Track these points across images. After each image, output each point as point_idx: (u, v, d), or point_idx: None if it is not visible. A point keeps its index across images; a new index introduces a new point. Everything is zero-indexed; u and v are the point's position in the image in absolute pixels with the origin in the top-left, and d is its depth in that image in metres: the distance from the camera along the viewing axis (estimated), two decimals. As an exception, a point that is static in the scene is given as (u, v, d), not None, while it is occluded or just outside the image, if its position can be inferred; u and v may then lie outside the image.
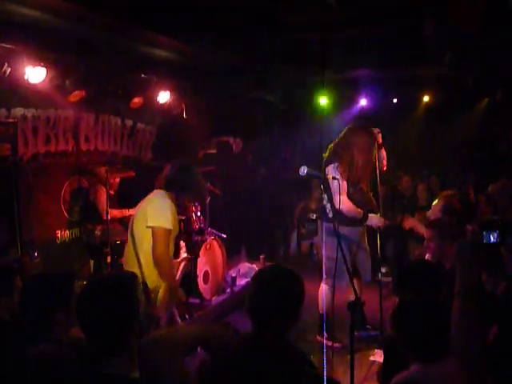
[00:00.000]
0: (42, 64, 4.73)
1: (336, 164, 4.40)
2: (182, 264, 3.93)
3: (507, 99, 7.82)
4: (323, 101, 8.10)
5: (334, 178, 3.92)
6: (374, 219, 4.40)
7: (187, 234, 5.76)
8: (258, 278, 2.19)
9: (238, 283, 6.18)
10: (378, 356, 4.02)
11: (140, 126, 6.85)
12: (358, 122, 4.77)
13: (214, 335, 1.94)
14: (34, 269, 4.78)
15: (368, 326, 4.69)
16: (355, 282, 3.74)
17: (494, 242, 2.09)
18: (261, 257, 7.06)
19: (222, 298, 5.84)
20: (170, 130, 7.07)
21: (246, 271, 6.51)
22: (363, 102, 8.42)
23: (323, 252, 4.57)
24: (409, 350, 2.08)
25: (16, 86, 4.79)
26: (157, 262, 3.46)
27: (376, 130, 4.58)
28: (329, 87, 7.84)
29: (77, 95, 5.32)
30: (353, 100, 8.46)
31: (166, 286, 3.55)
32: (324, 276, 4.54)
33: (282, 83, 7.93)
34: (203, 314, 5.27)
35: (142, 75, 6.12)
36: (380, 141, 4.55)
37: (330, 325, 4.30)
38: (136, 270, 3.34)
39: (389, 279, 5.96)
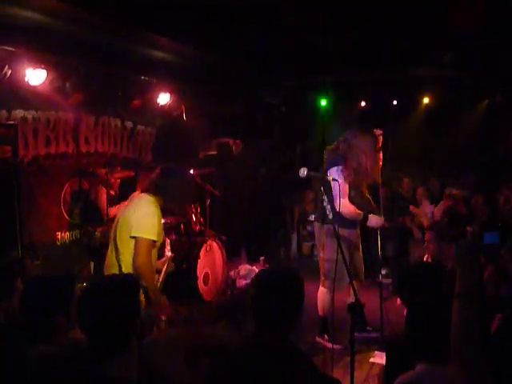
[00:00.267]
0: (42, 66, 4.74)
1: (340, 167, 4.37)
2: (165, 265, 3.85)
3: (507, 101, 7.83)
4: (323, 102, 8.10)
5: (334, 180, 3.91)
6: (373, 219, 4.40)
7: (187, 235, 5.77)
8: (259, 278, 2.20)
9: (237, 285, 6.18)
10: (378, 358, 4.02)
11: (140, 127, 6.86)
12: (359, 125, 4.75)
13: (214, 336, 1.95)
14: (35, 271, 4.79)
15: (368, 328, 4.68)
16: (355, 283, 3.74)
17: (494, 244, 2.09)
18: (261, 258, 7.06)
19: (222, 299, 5.84)
20: (169, 132, 7.08)
21: (245, 273, 6.51)
22: (363, 103, 8.43)
23: (322, 254, 4.58)
24: (416, 349, 2.09)
25: (16, 88, 4.79)
26: (137, 272, 3.31)
27: (377, 132, 4.57)
28: (329, 89, 7.86)
29: (76, 98, 5.34)
30: (353, 101, 8.47)
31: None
32: (324, 278, 4.55)
33: (283, 85, 7.95)
34: (203, 316, 5.27)
35: (142, 77, 6.13)
36: (380, 144, 4.55)
37: (330, 326, 4.29)
38: None
39: (389, 281, 5.98)
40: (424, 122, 8.78)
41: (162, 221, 5.16)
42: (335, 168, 4.36)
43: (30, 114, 5.18)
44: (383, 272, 4.94)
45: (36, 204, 5.29)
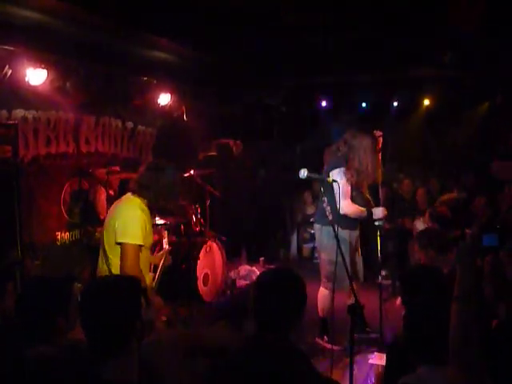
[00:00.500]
0: (42, 66, 4.74)
1: (343, 169, 4.37)
2: (162, 260, 3.80)
3: (507, 102, 7.82)
4: (324, 103, 8.11)
5: (334, 181, 3.91)
6: (378, 211, 4.41)
7: (187, 236, 5.77)
8: (260, 279, 2.22)
9: (237, 285, 6.18)
10: (377, 359, 4.01)
11: (140, 128, 6.86)
12: (359, 126, 4.74)
13: (214, 337, 1.96)
14: (35, 271, 4.79)
15: (368, 329, 4.68)
16: (354, 284, 3.74)
17: (493, 246, 2.09)
18: (261, 259, 7.07)
19: (221, 300, 5.84)
20: (170, 132, 7.08)
21: (245, 273, 6.51)
22: (363, 104, 8.43)
23: (323, 255, 4.58)
24: (415, 351, 2.09)
25: (17, 88, 4.79)
26: None
27: (378, 134, 4.57)
28: (329, 89, 7.86)
29: (77, 98, 5.34)
30: (353, 103, 8.47)
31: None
32: (324, 279, 4.56)
33: (282, 85, 7.95)
34: (203, 317, 5.27)
35: (143, 77, 6.13)
36: (379, 146, 4.54)
37: (330, 327, 4.29)
38: None
39: (388, 282, 5.98)
40: (424, 123, 8.78)
41: (161, 221, 5.17)
42: (337, 170, 4.36)
43: (30, 114, 5.18)
44: (383, 273, 4.92)
45: (36, 204, 5.29)
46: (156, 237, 4.18)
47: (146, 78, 6.13)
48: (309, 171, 3.39)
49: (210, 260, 5.78)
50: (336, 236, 3.23)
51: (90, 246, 5.61)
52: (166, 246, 4.18)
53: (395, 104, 8.46)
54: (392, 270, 6.31)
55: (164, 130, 7.12)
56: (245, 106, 8.11)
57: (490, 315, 2.65)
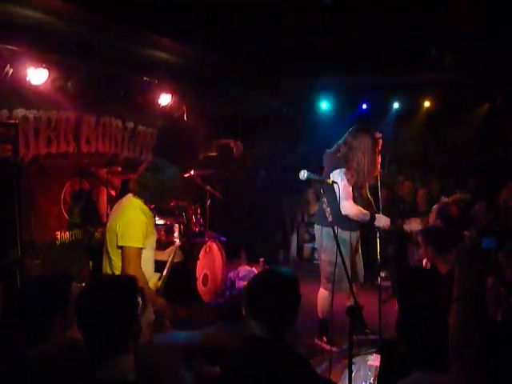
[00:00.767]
0: (44, 65, 4.75)
1: (343, 169, 4.37)
2: (171, 256, 3.75)
3: (507, 104, 7.83)
4: (324, 105, 8.11)
5: (334, 182, 3.91)
6: (382, 219, 4.38)
7: (187, 236, 5.77)
8: (255, 279, 2.21)
9: (237, 286, 6.18)
10: (376, 360, 4.02)
11: (141, 128, 6.86)
12: (359, 125, 4.73)
13: (212, 338, 1.96)
14: (35, 270, 4.80)
15: (367, 330, 4.68)
16: (354, 286, 3.74)
17: (492, 248, 2.09)
18: (260, 260, 7.06)
19: (220, 300, 5.85)
20: (170, 133, 7.08)
21: (245, 274, 6.50)
22: (364, 106, 8.44)
23: (323, 256, 4.57)
24: (413, 355, 2.09)
25: (18, 87, 4.80)
26: None
27: (378, 135, 4.56)
28: (330, 91, 7.86)
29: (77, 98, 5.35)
30: (354, 104, 8.48)
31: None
32: (324, 280, 4.55)
33: (283, 87, 7.95)
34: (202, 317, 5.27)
35: (144, 78, 6.13)
36: (379, 147, 4.53)
37: (329, 329, 4.29)
38: None
39: (388, 283, 5.97)
40: (424, 124, 8.78)
41: (161, 222, 5.15)
42: (338, 170, 4.35)
43: (31, 114, 5.18)
44: (382, 275, 4.91)
45: (36, 203, 5.29)
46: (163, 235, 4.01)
47: (146, 78, 6.13)
48: (309, 172, 3.39)
49: (209, 260, 5.78)
50: (336, 237, 3.22)
51: (91, 246, 5.62)
52: (176, 240, 4.07)
53: (395, 106, 8.46)
54: (391, 271, 6.31)
55: (164, 130, 7.13)
56: (246, 107, 8.10)
57: (490, 315, 2.65)
